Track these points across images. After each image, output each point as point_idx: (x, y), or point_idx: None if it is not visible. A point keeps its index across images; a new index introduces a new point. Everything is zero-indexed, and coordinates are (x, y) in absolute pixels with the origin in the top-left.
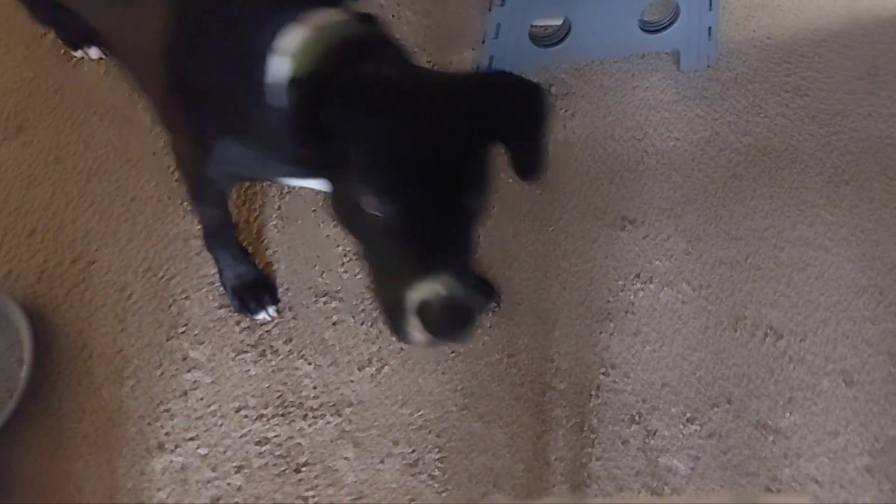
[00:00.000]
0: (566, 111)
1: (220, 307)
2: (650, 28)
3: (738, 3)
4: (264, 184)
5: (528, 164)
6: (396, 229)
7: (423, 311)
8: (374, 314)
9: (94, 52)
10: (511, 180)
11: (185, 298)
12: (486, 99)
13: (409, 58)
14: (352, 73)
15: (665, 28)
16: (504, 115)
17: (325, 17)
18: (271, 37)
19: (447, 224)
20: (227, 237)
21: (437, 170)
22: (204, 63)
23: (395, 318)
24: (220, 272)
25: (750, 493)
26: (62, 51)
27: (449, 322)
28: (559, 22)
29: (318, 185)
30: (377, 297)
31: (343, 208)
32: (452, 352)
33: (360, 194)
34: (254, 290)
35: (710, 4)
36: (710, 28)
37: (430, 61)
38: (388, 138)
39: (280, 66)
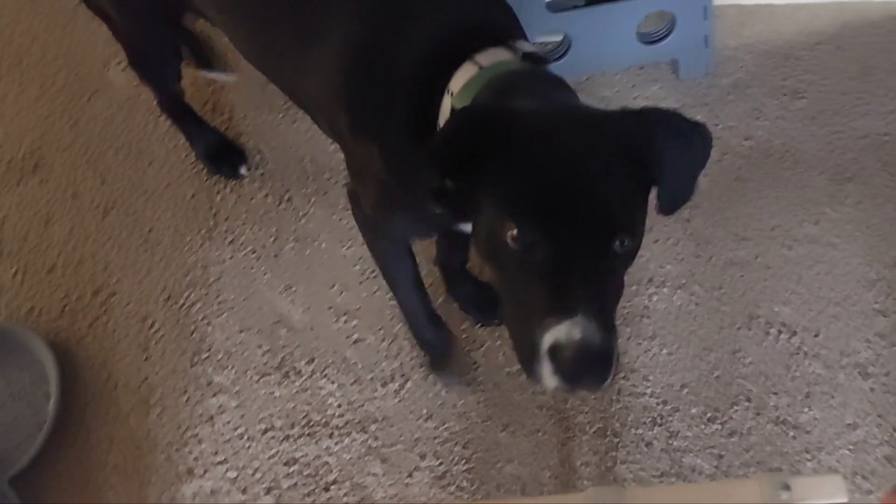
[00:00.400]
0: None
1: (241, 331)
2: (648, 39)
3: (732, 10)
4: (281, 206)
5: (675, 199)
6: (537, 264)
7: (556, 354)
8: (394, 331)
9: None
10: None
11: (207, 324)
12: (647, 138)
13: (573, 96)
14: (503, 104)
15: (662, 39)
16: (665, 156)
17: (491, 55)
18: (443, 78)
19: (591, 264)
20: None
21: (585, 206)
22: (382, 109)
23: (527, 358)
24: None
25: (780, 478)
26: (76, 87)
27: (581, 368)
28: (559, 38)
29: None
30: (511, 333)
31: (485, 241)
32: (474, 363)
33: (502, 225)
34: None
35: (705, 13)
36: (706, 36)
37: None
38: (536, 168)
39: (445, 105)
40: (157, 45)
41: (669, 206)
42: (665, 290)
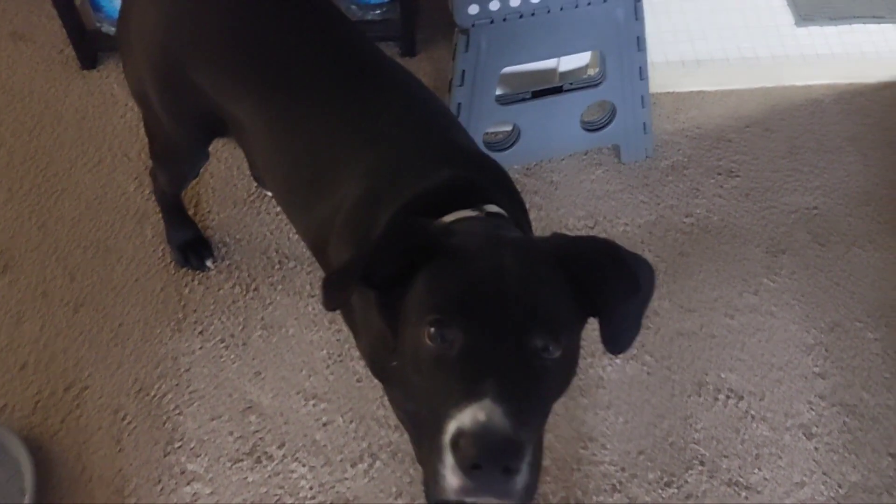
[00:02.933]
0: None
1: (213, 419)
2: (591, 127)
3: (667, 98)
4: (248, 296)
5: (621, 334)
6: (451, 358)
7: (458, 443)
8: (361, 412)
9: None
10: None
11: (179, 414)
12: (586, 262)
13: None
14: (435, 222)
15: (605, 126)
16: (605, 282)
17: (455, 215)
18: None
19: (507, 359)
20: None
21: (504, 305)
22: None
23: (433, 465)
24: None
25: None
26: (43, 189)
27: (484, 454)
28: (509, 128)
29: None
30: (422, 453)
31: (408, 349)
32: None
33: (421, 325)
34: None
35: (643, 102)
36: (644, 123)
37: None
38: (459, 272)
39: None
40: (191, 148)
41: (614, 341)
42: (618, 361)
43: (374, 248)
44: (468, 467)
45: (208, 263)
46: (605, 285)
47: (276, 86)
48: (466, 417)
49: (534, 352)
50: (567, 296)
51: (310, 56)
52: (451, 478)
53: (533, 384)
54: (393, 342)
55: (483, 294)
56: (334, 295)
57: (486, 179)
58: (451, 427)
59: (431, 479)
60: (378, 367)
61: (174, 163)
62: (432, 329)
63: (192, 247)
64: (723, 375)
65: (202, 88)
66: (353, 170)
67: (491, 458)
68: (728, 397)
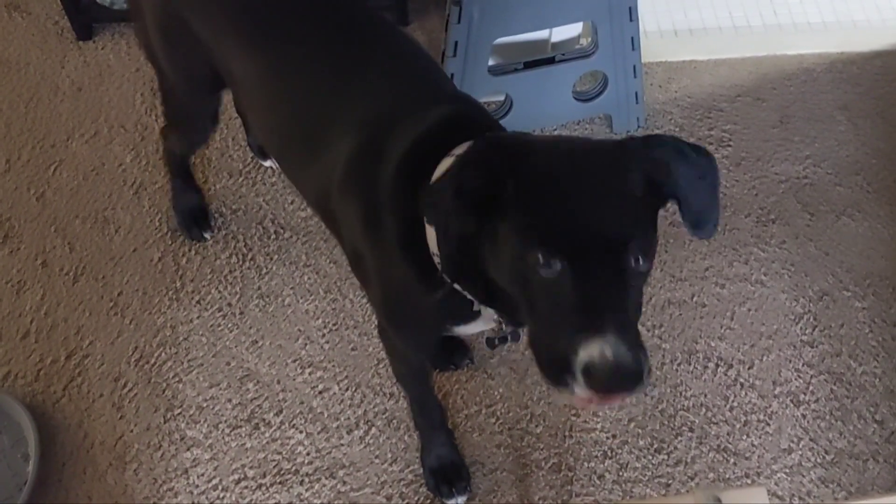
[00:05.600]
0: None
1: (211, 387)
2: (583, 98)
3: (659, 67)
4: (244, 266)
5: (701, 217)
6: (563, 288)
7: (589, 372)
8: (357, 380)
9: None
10: None
11: (178, 382)
12: (657, 161)
13: None
14: (518, 135)
15: (596, 97)
16: (678, 175)
17: (465, 146)
18: (427, 174)
19: (613, 284)
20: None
21: (603, 230)
22: (373, 203)
23: (558, 375)
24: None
25: (711, 492)
26: (41, 160)
27: (614, 384)
28: (502, 98)
29: (477, 328)
30: (539, 353)
31: (509, 272)
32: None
33: (526, 255)
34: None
35: (635, 72)
36: (636, 93)
37: None
38: (555, 197)
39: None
40: (197, 106)
41: (696, 224)
42: None
43: (461, 166)
44: (598, 390)
45: (206, 235)
46: (673, 178)
47: (268, 38)
48: (595, 352)
49: (631, 270)
50: (647, 204)
51: (300, 9)
52: (584, 394)
53: (634, 301)
54: (422, 284)
55: (587, 222)
56: (434, 213)
57: (476, 113)
58: (581, 357)
59: (554, 379)
60: (394, 313)
61: (184, 122)
62: (540, 258)
63: (195, 215)
64: (713, 344)
65: (202, 41)
66: (346, 122)
67: (620, 387)
68: (717, 365)
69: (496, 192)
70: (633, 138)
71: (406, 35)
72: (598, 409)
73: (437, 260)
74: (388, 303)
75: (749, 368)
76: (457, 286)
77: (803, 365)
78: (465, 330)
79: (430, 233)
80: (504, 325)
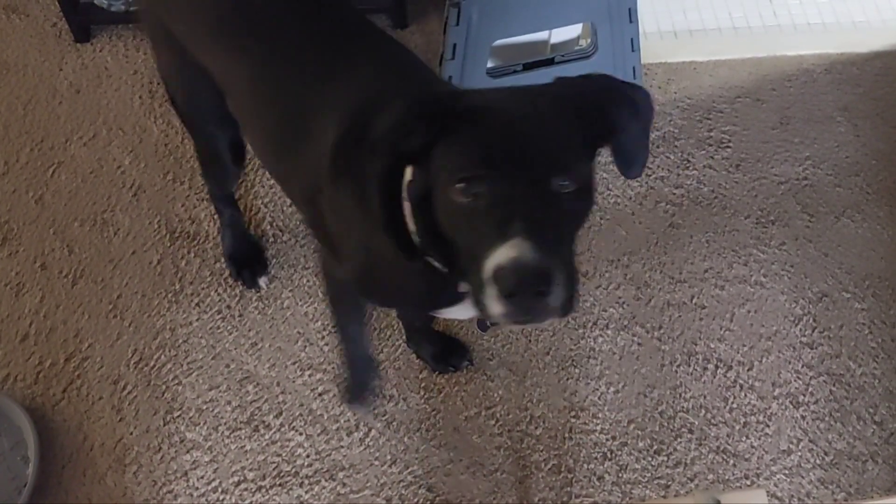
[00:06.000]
0: None
1: (211, 389)
2: None
3: (659, 68)
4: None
5: (631, 157)
6: (483, 210)
7: (497, 277)
8: None
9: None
10: None
11: (178, 384)
12: (590, 98)
13: None
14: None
15: None
16: (610, 113)
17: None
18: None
19: (530, 201)
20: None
21: (522, 153)
22: (359, 186)
23: (479, 297)
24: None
25: (711, 494)
26: (40, 162)
27: (519, 284)
28: None
29: (464, 312)
30: (470, 287)
31: (442, 209)
32: (433, 410)
33: (452, 187)
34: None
35: (634, 73)
36: None
37: None
38: (479, 131)
39: (407, 172)
40: (215, 143)
41: (626, 165)
42: (609, 331)
43: (396, 123)
44: (506, 296)
45: (261, 282)
46: (607, 115)
47: (254, 42)
48: (501, 255)
49: (553, 191)
50: (575, 132)
51: (286, 13)
52: (495, 305)
53: (555, 218)
54: (406, 257)
55: (501, 147)
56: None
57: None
58: (490, 265)
59: (477, 303)
60: (367, 281)
61: (207, 160)
62: (461, 186)
63: (248, 262)
64: (712, 345)
65: (187, 48)
66: (332, 113)
67: (524, 285)
68: (717, 367)
69: (429, 141)
70: (567, 77)
71: (392, 38)
72: (517, 323)
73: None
74: (361, 272)
75: (748, 370)
76: (430, 259)
77: (803, 366)
78: (450, 314)
79: (408, 209)
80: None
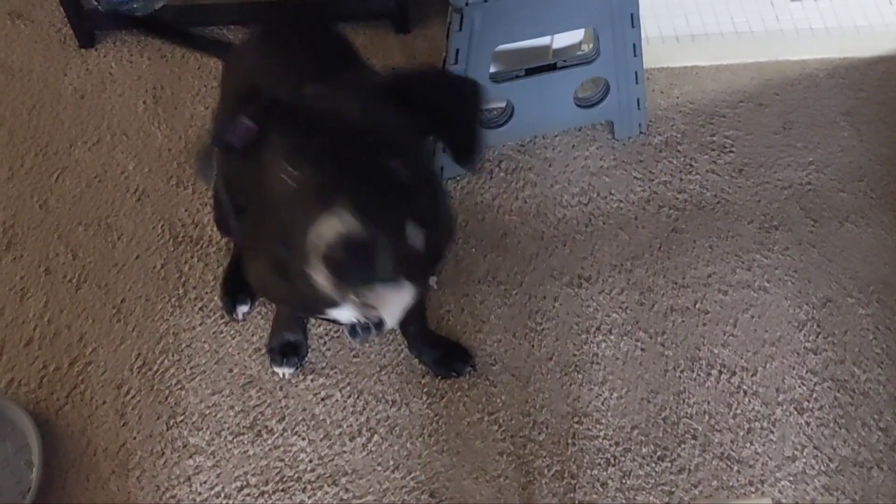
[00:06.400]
0: (517, 184)
1: (214, 394)
2: (585, 104)
3: (661, 73)
4: None
5: (465, 152)
6: (307, 189)
7: (319, 248)
8: (359, 387)
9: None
10: (474, 250)
11: (181, 389)
12: (416, 89)
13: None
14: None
15: (598, 103)
16: (435, 104)
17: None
18: None
19: (352, 177)
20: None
21: (346, 138)
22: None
23: (307, 273)
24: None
25: (718, 500)
26: (44, 167)
27: (345, 255)
28: (503, 105)
29: (346, 315)
30: (301, 266)
31: (268, 192)
32: (436, 415)
33: (280, 170)
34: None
35: (637, 78)
36: (638, 99)
37: None
38: (304, 119)
39: None
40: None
41: (461, 157)
42: (612, 337)
43: (224, 115)
44: (332, 268)
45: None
46: (435, 105)
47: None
48: (321, 226)
49: (380, 169)
50: (401, 119)
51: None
52: (323, 281)
53: (382, 193)
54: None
55: (326, 131)
56: (202, 170)
57: None
58: (312, 237)
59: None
60: (272, 287)
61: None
62: (287, 168)
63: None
64: (716, 351)
65: None
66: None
67: (344, 250)
68: (721, 373)
69: (261, 132)
70: (401, 70)
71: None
72: (345, 294)
73: None
74: (264, 277)
75: (752, 376)
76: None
77: (807, 372)
78: (332, 315)
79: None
80: (366, 316)
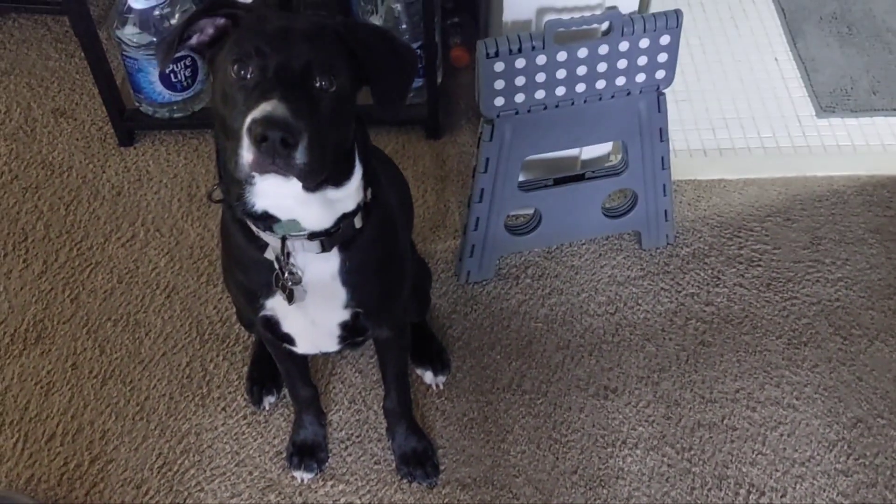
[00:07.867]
0: (543, 291)
1: (233, 497)
2: (612, 214)
3: (689, 185)
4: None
5: (386, 93)
6: (250, 83)
7: (251, 127)
8: (380, 495)
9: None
10: (499, 356)
11: (200, 490)
12: (356, 35)
13: None
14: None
15: (626, 213)
16: (370, 52)
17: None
18: None
19: (292, 80)
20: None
21: (288, 48)
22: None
23: (237, 156)
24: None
25: None
26: (77, 262)
27: (265, 129)
28: (530, 212)
29: (285, 310)
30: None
31: (219, 90)
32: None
33: (229, 67)
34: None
35: (665, 191)
36: (666, 210)
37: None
38: (253, 29)
39: None
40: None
41: (381, 98)
42: (638, 451)
43: (188, 18)
44: (256, 141)
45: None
46: (374, 59)
47: None
48: (257, 111)
49: (312, 84)
50: (342, 56)
51: None
52: (246, 154)
53: (311, 103)
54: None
55: (273, 42)
56: (161, 55)
57: None
58: (248, 120)
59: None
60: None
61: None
62: (235, 66)
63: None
64: (744, 469)
65: None
66: None
67: (272, 130)
68: (749, 492)
69: (217, 37)
70: (349, 20)
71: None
72: (263, 169)
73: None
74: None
75: (782, 497)
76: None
77: (838, 495)
78: (274, 308)
79: None
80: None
